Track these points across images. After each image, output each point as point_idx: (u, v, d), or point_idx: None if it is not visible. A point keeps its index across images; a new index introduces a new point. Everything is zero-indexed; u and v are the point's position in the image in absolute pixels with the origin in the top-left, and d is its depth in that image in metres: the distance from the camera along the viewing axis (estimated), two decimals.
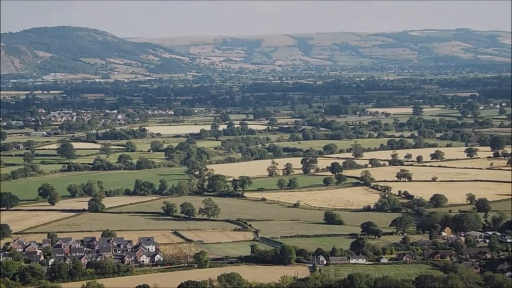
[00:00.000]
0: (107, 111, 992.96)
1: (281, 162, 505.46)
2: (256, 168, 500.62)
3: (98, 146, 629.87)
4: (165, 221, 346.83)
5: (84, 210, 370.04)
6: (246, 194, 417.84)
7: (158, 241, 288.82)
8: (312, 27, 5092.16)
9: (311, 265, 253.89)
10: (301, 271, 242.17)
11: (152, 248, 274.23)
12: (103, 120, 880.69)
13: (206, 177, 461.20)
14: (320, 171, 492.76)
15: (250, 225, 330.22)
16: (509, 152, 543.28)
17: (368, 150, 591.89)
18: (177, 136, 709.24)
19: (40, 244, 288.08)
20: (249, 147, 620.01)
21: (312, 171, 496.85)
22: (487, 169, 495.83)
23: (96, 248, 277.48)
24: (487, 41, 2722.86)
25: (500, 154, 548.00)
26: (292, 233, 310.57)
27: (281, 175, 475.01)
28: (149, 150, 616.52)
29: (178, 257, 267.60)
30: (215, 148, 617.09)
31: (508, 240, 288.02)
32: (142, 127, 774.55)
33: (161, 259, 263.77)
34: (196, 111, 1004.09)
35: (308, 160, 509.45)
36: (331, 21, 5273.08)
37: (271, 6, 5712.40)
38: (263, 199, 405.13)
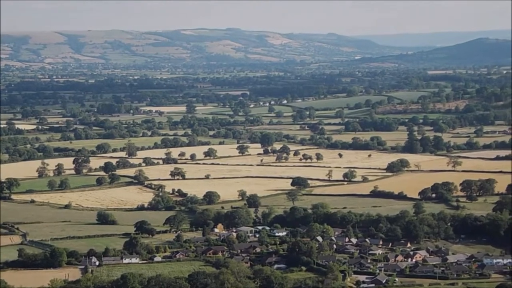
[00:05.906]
0: None
1: (52, 163, 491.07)
2: (24, 169, 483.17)
3: None
4: None
5: None
6: (13, 197, 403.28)
7: None
8: (83, 24, 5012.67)
9: (83, 266, 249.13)
10: (72, 273, 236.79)
11: None
12: None
13: None
14: (93, 171, 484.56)
15: (17, 229, 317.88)
16: (277, 148, 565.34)
17: (142, 149, 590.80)
18: None
19: None
20: (17, 147, 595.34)
21: (84, 171, 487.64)
22: (257, 165, 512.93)
23: None
24: (256, 41, 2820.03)
25: (270, 151, 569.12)
26: (63, 235, 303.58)
27: (52, 176, 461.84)
28: None
29: None
30: None
31: (277, 234, 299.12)
32: None
33: None
34: None
35: (80, 160, 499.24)
36: (102, 19, 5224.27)
37: (40, 2, 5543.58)
38: (32, 201, 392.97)
